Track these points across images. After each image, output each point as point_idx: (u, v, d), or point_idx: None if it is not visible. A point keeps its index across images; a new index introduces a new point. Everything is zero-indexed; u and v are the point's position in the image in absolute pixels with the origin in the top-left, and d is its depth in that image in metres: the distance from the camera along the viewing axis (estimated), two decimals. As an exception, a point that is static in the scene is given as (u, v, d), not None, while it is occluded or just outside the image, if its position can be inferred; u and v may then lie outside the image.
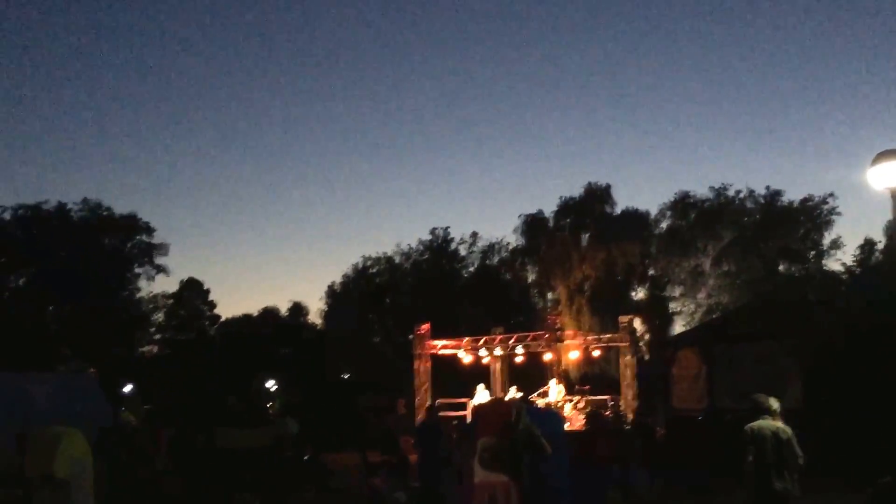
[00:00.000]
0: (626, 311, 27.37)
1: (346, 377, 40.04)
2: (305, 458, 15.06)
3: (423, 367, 24.28)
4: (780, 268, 38.32)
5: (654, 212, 39.29)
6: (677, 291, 39.18)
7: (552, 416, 12.58)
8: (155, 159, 69.72)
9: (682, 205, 38.99)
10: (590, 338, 24.65)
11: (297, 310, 49.73)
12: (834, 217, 37.70)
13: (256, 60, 71.55)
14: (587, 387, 21.64)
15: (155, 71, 71.31)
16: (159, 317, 47.11)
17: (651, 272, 39.26)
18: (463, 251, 43.99)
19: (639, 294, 39.12)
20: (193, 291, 47.83)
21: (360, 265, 45.01)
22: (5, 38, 65.82)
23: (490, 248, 43.39)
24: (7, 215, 39.09)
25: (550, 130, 63.75)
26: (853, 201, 46.93)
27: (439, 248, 44.04)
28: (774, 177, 65.16)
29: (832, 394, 13.56)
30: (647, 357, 21.36)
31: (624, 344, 22.84)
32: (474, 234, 43.83)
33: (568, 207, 38.16)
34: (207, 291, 48.33)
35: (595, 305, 34.34)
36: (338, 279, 45.61)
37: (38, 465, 8.56)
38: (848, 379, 13.32)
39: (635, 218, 38.24)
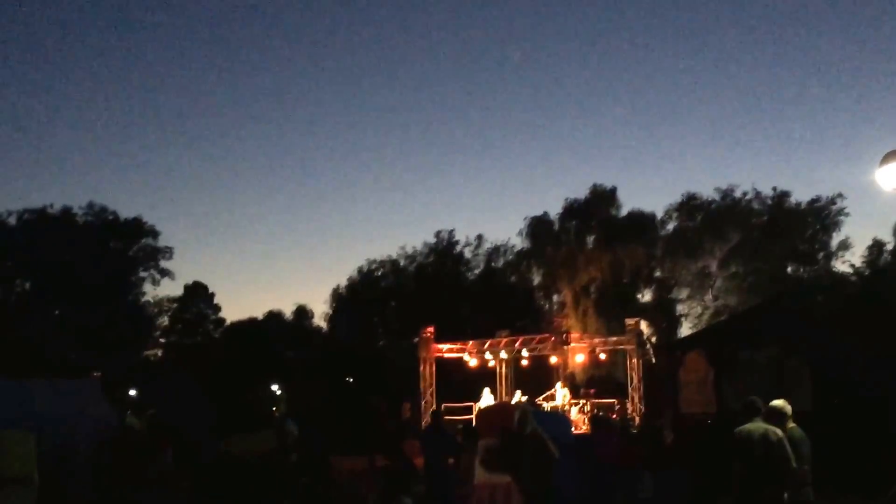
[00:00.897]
0: (633, 313, 27.14)
1: (350, 380, 39.92)
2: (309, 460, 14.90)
3: (428, 371, 24.20)
4: (788, 269, 38.14)
5: (660, 213, 39.25)
6: (684, 294, 39.03)
7: (560, 419, 12.47)
8: (160, 164, 69.87)
9: (689, 206, 38.83)
10: (596, 340, 24.53)
11: (302, 313, 49.65)
12: (842, 218, 37.57)
13: (261, 65, 71.78)
14: (592, 390, 21.53)
15: (160, 75, 71.55)
16: (164, 320, 47.28)
17: (657, 274, 39.09)
18: (468, 254, 43.99)
19: (645, 296, 38.95)
20: (198, 295, 47.89)
21: (365, 268, 45.08)
22: (12, 42, 66.13)
23: (495, 251, 43.32)
24: (12, 219, 39.36)
25: (555, 132, 63.69)
26: (861, 202, 46.60)
27: (444, 251, 43.95)
28: (781, 178, 64.70)
29: (842, 397, 13.41)
30: (653, 360, 21.23)
31: (630, 347, 22.69)
32: (479, 237, 43.83)
33: (573, 209, 38.09)
34: (212, 295, 48.47)
35: (601, 308, 34.17)
36: (343, 282, 45.67)
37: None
38: (858, 382, 13.17)
39: (641, 220, 38.12)
